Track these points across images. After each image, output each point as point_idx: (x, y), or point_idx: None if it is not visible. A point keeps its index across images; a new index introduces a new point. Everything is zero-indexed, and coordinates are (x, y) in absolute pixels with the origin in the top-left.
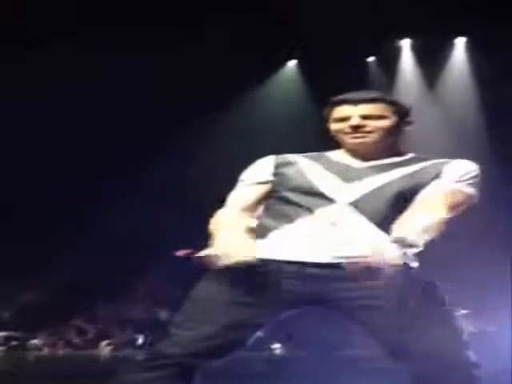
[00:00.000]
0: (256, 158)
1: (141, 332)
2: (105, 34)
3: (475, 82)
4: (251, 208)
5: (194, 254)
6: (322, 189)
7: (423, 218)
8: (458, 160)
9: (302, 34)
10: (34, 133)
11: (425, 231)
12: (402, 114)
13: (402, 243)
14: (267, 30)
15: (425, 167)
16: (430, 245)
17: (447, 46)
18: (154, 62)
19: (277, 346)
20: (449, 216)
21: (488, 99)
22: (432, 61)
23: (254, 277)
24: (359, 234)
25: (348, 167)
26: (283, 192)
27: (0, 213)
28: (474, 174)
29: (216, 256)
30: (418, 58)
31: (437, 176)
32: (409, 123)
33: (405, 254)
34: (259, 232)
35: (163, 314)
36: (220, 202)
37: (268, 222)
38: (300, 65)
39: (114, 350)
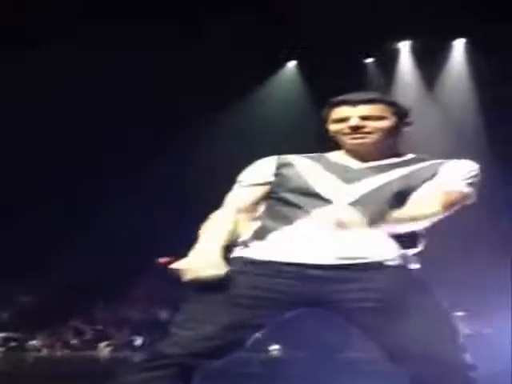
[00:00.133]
0: (256, 159)
1: (139, 333)
2: (105, 34)
3: (474, 83)
4: (249, 209)
5: (171, 263)
6: (320, 190)
7: (413, 209)
8: (456, 160)
9: (302, 34)
10: (34, 133)
11: (411, 217)
12: (401, 114)
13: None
14: (267, 31)
15: (422, 167)
16: (428, 246)
17: (446, 48)
18: (154, 62)
19: (275, 347)
20: (443, 214)
21: (487, 100)
22: (431, 62)
23: (255, 278)
24: (359, 235)
25: (347, 168)
26: (282, 193)
27: (0, 213)
28: (470, 173)
29: (182, 270)
30: (417, 59)
31: (433, 175)
32: (408, 124)
33: (404, 254)
34: (259, 233)
35: (162, 315)
36: (219, 203)
37: (267, 223)
38: (300, 65)
39: (112, 351)
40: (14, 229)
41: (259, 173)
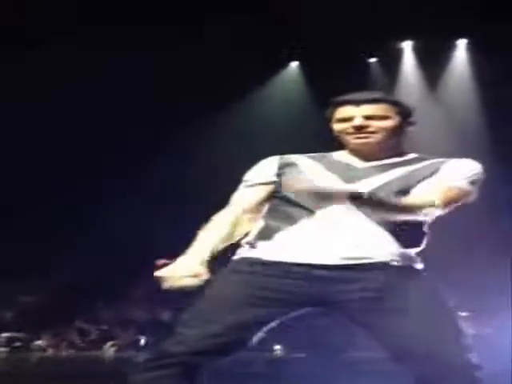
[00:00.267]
0: (257, 159)
1: (143, 333)
2: (105, 34)
3: (476, 83)
4: (254, 209)
5: (167, 265)
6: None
7: (412, 199)
8: (457, 159)
9: (304, 34)
10: (34, 133)
11: (410, 206)
12: (405, 114)
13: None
14: (268, 31)
15: (423, 166)
16: (428, 246)
17: (449, 48)
18: (154, 62)
19: (278, 346)
20: (442, 208)
21: (489, 100)
22: (433, 62)
23: (264, 278)
24: (363, 235)
25: (350, 167)
26: (286, 193)
27: (0, 213)
28: (471, 171)
29: (162, 278)
30: (420, 59)
31: (433, 173)
32: (412, 123)
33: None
34: (265, 233)
35: (165, 315)
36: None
37: (272, 223)
38: (301, 66)
39: (117, 351)
40: (14, 229)
41: (263, 172)
